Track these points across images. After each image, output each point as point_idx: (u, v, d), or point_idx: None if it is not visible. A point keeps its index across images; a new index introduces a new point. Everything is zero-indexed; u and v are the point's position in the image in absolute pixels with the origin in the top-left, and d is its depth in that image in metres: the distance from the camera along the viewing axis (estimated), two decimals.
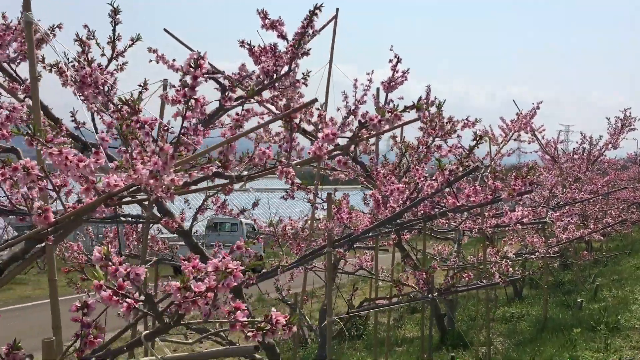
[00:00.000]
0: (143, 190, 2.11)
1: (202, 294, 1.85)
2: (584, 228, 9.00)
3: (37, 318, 11.95)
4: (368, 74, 6.64)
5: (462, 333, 8.80)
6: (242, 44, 4.05)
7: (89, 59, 3.51)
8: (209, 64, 4.13)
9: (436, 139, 6.32)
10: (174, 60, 4.59)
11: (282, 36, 4.06)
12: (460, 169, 3.80)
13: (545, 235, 8.97)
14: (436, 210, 5.44)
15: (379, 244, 8.22)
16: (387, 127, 2.44)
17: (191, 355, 2.35)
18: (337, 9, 5.99)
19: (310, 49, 4.19)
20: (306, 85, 4.50)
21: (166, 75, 4.59)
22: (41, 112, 2.92)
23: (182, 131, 2.63)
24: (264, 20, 3.96)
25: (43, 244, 2.44)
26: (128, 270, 1.86)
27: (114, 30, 4.12)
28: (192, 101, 2.19)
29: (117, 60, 4.20)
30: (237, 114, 2.89)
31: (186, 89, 2.13)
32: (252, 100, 3.80)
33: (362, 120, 2.42)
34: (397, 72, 6.51)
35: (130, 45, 4.23)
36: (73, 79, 3.03)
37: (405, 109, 2.35)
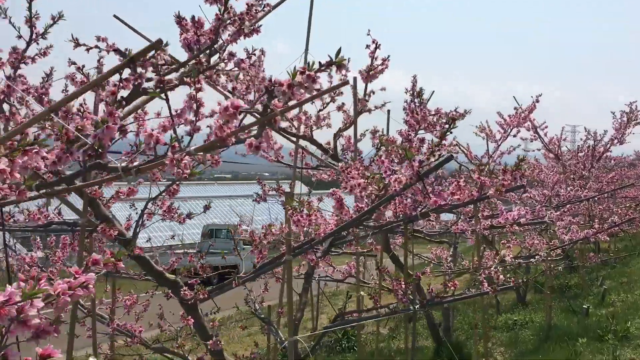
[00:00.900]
0: None
1: None
2: (589, 228, 8.33)
3: None
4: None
5: (459, 344, 8.15)
6: (177, 18, 3.47)
7: None
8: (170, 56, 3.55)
9: (421, 132, 5.74)
10: (126, 50, 4.01)
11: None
12: (432, 160, 3.18)
13: (548, 237, 8.33)
14: (418, 210, 4.84)
15: (366, 249, 7.64)
16: (305, 95, 1.82)
17: None
18: None
19: (260, 25, 3.60)
20: (252, 65, 3.93)
21: None
22: None
23: None
24: None
25: None
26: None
27: (29, 8, 3.56)
28: None
29: (37, 43, 3.62)
30: (114, 85, 2.28)
31: None
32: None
33: (269, 87, 1.81)
34: (376, 59, 5.92)
35: (51, 25, 3.65)
36: None
37: (321, 67, 1.74)
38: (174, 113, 2.14)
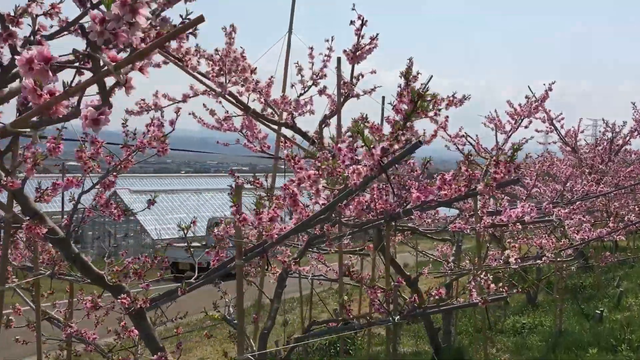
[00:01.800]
0: None
1: None
2: (604, 226, 7.63)
3: None
4: (327, 40, 5.44)
5: (460, 349, 7.55)
6: None
7: None
8: None
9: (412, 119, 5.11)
10: None
11: None
12: (396, 146, 2.58)
13: (558, 236, 7.69)
14: (401, 208, 4.25)
15: (359, 247, 7.06)
16: (134, 38, 1.23)
17: None
18: None
19: None
20: (194, 35, 3.34)
21: None
22: None
23: None
24: None
25: None
26: None
27: None
28: None
29: None
30: None
31: None
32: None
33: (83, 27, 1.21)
34: (362, 37, 5.31)
35: None
36: None
37: None
38: None
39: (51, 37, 2.31)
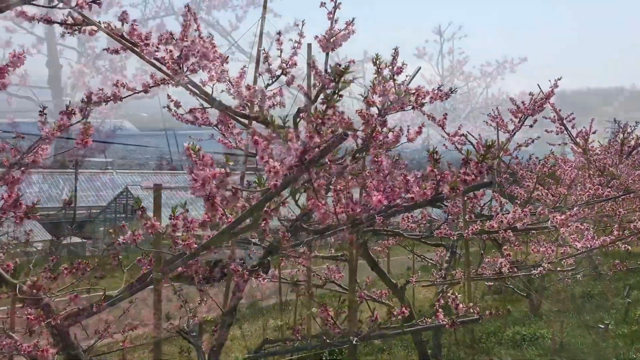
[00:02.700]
0: None
1: None
2: (609, 234, 7.05)
3: None
4: (297, 25, 4.91)
5: None
6: None
7: None
8: None
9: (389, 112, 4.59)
10: None
11: None
12: (317, 139, 2.05)
13: (560, 243, 7.11)
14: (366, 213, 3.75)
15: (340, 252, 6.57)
16: None
17: None
18: None
19: None
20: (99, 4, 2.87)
21: None
22: None
23: None
24: None
25: None
26: None
27: None
28: None
29: None
30: None
31: None
32: None
33: None
34: (336, 21, 4.78)
35: None
36: None
37: None
38: None
39: None
